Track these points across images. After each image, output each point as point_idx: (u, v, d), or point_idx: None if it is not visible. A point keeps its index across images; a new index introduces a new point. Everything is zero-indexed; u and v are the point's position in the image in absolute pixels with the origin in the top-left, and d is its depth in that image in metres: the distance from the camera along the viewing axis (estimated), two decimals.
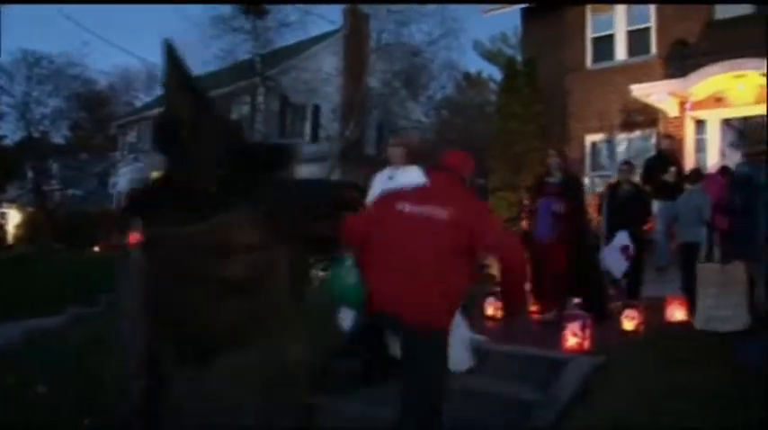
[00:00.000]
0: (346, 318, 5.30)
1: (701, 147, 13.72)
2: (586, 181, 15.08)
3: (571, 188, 8.01)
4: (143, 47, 63.66)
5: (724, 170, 9.44)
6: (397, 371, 3.74)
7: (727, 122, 13.50)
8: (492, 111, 19.41)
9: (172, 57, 2.92)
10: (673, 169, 10.39)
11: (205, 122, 2.95)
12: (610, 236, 8.77)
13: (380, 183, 5.67)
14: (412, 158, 5.77)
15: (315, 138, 25.09)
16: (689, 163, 12.99)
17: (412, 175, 4.51)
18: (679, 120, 13.74)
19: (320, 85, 22.02)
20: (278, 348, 2.88)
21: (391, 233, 3.89)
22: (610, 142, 15.52)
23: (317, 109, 24.92)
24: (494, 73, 28.08)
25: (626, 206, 8.80)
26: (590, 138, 15.60)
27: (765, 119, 10.43)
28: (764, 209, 5.29)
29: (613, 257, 8.27)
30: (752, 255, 5.32)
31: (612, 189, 9.48)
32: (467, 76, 29.69)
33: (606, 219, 9.19)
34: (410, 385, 3.74)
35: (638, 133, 14.92)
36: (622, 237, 8.36)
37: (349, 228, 3.75)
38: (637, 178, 10.33)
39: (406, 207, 3.95)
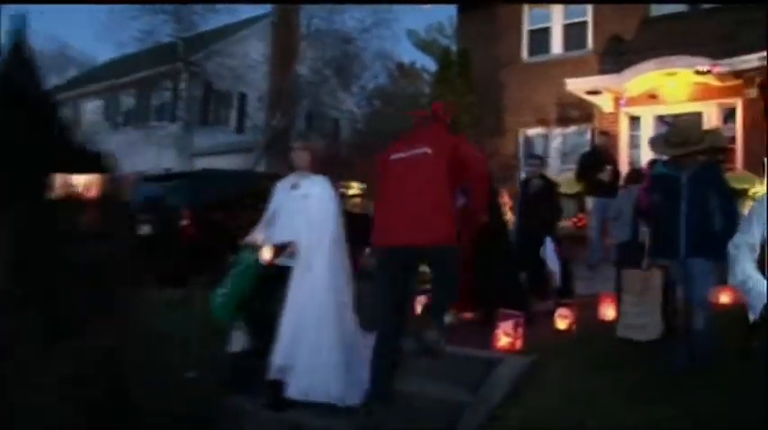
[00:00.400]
0: (236, 340, 5.33)
1: (635, 143, 13.79)
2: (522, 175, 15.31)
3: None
4: None
5: (652, 164, 9.57)
6: None
7: (660, 119, 13.61)
8: (425, 102, 19.38)
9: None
10: (608, 168, 10.37)
11: None
12: (521, 234, 8.47)
13: (283, 193, 5.60)
14: (317, 166, 5.68)
15: (240, 127, 24.54)
16: (623, 159, 13.24)
17: (316, 187, 5.22)
18: (614, 116, 13.85)
19: (247, 72, 21.45)
20: None
21: (389, 177, 4.84)
22: (545, 137, 15.62)
23: (242, 97, 24.35)
24: (428, 63, 28.05)
25: (535, 202, 8.47)
26: (525, 132, 15.61)
27: (692, 119, 10.68)
28: (687, 209, 5.35)
29: (551, 258, 8.24)
30: (672, 256, 5.39)
31: (524, 185, 9.05)
32: (400, 66, 29.47)
33: (517, 217, 8.91)
34: (439, 285, 4.75)
35: (573, 128, 15.01)
36: (549, 243, 8.25)
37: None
38: (548, 172, 10.21)
39: (400, 155, 4.87)
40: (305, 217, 5.38)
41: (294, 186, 5.55)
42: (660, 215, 5.30)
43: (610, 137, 11.96)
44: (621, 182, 9.56)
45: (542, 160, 9.62)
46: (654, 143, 5.75)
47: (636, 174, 8.92)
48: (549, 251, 8.13)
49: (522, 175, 12.90)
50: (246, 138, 22.43)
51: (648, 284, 5.88)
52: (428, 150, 4.83)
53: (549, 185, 8.69)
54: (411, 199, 4.73)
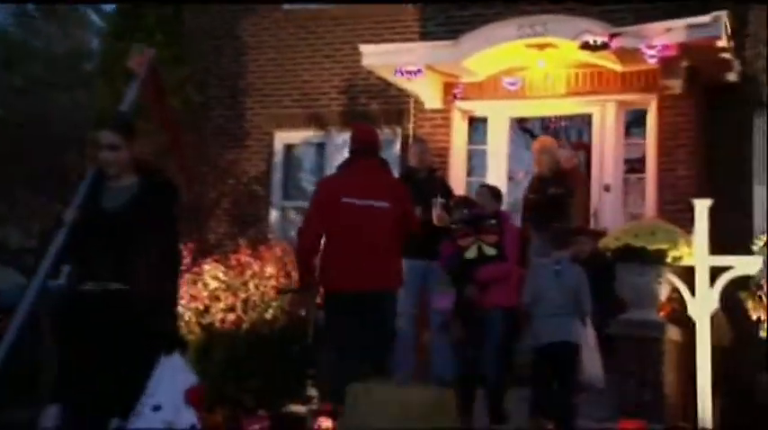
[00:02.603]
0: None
1: (477, 164, 9.58)
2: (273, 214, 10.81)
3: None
4: None
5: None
6: None
7: (520, 124, 9.71)
8: None
9: None
10: (438, 202, 7.26)
11: None
12: None
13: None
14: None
15: None
16: (458, 189, 9.06)
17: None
18: (442, 116, 9.41)
19: None
20: None
21: (341, 225, 5.77)
22: (320, 146, 10.91)
23: None
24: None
25: None
26: (282, 139, 11.01)
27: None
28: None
29: None
30: None
31: None
32: None
33: None
34: (375, 333, 5.82)
35: None
36: None
37: (309, 244, 5.93)
38: None
39: (354, 201, 5.73)
40: None
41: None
42: None
43: (427, 149, 8.21)
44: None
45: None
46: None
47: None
48: None
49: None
50: None
51: None
52: (386, 205, 5.82)
53: None
54: (366, 249, 5.72)
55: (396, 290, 5.94)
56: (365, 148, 5.90)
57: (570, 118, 9.53)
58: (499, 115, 9.50)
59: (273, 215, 10.49)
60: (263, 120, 10.82)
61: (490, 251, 6.49)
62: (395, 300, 5.94)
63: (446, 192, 7.50)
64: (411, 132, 9.58)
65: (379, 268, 5.64)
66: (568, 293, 6.01)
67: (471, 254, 6.45)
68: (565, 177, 7.87)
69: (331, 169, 10.52)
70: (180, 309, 7.51)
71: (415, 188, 6.94)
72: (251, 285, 8.52)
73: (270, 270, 8.57)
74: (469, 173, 9.50)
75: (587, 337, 6.17)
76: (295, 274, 7.20)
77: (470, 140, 9.53)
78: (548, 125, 9.59)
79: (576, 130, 9.63)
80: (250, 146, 10.81)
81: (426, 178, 7.50)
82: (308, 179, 10.81)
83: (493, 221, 6.55)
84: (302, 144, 11.04)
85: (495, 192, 7.05)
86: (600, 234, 7.86)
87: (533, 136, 9.38)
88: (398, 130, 10.06)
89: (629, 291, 6.95)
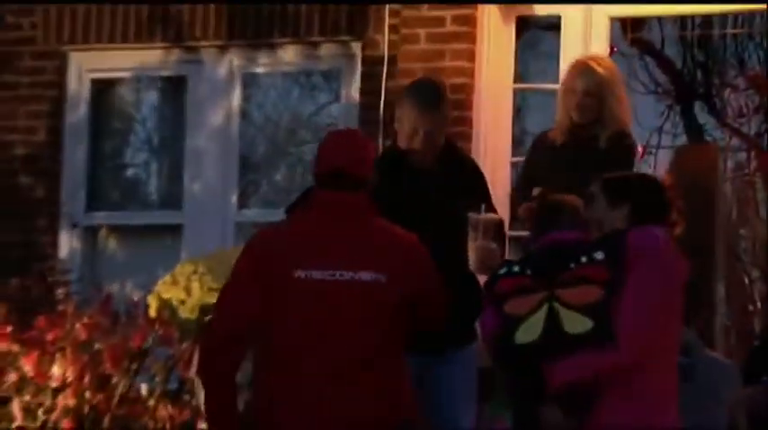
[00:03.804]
0: None
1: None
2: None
3: None
4: None
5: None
6: None
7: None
8: None
9: None
10: (481, 220, 4.28)
11: None
12: None
13: None
14: None
15: None
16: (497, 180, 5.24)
17: None
18: (456, 15, 4.74)
19: None
20: None
21: (294, 321, 3.43)
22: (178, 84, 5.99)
23: None
24: None
25: None
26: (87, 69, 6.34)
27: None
28: None
29: None
30: None
31: None
32: None
33: None
34: None
35: None
36: None
37: (225, 359, 3.37)
38: None
39: (312, 272, 3.42)
40: None
41: None
42: None
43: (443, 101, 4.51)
44: None
45: None
46: None
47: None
48: None
49: None
50: None
51: None
52: (375, 277, 3.45)
53: None
54: (338, 369, 3.43)
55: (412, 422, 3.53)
56: (335, 174, 3.48)
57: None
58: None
59: (66, 240, 5.96)
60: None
61: (574, 322, 3.44)
62: None
63: (483, 191, 4.23)
64: (385, 51, 5.33)
65: (365, 405, 3.42)
66: None
67: (530, 331, 3.49)
68: None
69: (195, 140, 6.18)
70: None
71: (415, 196, 4.17)
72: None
73: (56, 370, 4.82)
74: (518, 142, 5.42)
75: None
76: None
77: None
78: None
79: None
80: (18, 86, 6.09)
81: (438, 171, 4.18)
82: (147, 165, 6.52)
83: (599, 255, 3.42)
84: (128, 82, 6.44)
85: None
86: None
87: None
88: (355, 47, 5.64)
89: None
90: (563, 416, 3.48)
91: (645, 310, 3.32)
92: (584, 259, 3.42)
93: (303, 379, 3.38)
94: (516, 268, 3.53)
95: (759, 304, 8.07)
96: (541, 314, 3.49)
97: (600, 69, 4.32)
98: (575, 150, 4.19)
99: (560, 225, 3.57)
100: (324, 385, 3.35)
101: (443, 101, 4.13)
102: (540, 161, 4.37)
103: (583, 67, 4.36)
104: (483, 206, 3.97)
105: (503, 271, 3.54)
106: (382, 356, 3.40)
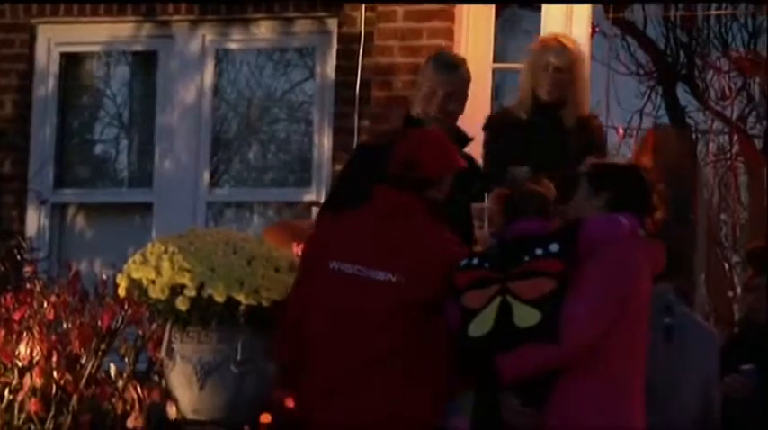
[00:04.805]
0: None
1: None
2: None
3: None
4: None
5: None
6: None
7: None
8: None
9: None
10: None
11: None
12: None
13: None
14: None
15: None
16: None
17: None
18: None
19: None
20: None
21: (323, 315, 3.45)
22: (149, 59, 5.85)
23: None
24: None
25: None
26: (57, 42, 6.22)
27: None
28: None
29: None
30: None
31: None
32: None
33: None
34: None
35: None
36: None
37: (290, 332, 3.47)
38: None
39: (342, 265, 3.43)
40: None
41: None
42: None
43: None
44: None
45: None
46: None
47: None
48: None
49: None
50: None
51: None
52: (388, 277, 3.44)
53: None
54: (358, 363, 3.44)
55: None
56: (400, 173, 3.46)
57: None
58: None
59: (33, 217, 5.70)
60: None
61: (524, 315, 3.44)
62: None
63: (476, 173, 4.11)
64: (362, 28, 5.26)
65: (379, 405, 3.37)
66: None
67: (481, 325, 3.49)
68: None
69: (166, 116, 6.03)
70: None
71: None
72: None
73: (23, 350, 4.56)
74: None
75: None
76: None
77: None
78: None
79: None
80: None
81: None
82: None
83: (553, 247, 3.42)
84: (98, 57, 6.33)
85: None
86: None
87: None
88: (331, 24, 5.53)
89: None
90: (521, 405, 3.52)
91: (591, 301, 3.31)
92: (539, 251, 3.44)
93: (323, 373, 3.42)
94: (475, 261, 3.53)
95: (739, 290, 8.01)
96: (494, 307, 3.50)
97: (572, 46, 4.21)
98: (545, 130, 4.10)
99: (526, 214, 3.57)
100: (343, 381, 3.39)
101: (464, 66, 4.09)
102: (509, 142, 4.24)
103: (555, 44, 4.26)
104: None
105: (462, 263, 3.52)
106: (396, 356, 3.39)
